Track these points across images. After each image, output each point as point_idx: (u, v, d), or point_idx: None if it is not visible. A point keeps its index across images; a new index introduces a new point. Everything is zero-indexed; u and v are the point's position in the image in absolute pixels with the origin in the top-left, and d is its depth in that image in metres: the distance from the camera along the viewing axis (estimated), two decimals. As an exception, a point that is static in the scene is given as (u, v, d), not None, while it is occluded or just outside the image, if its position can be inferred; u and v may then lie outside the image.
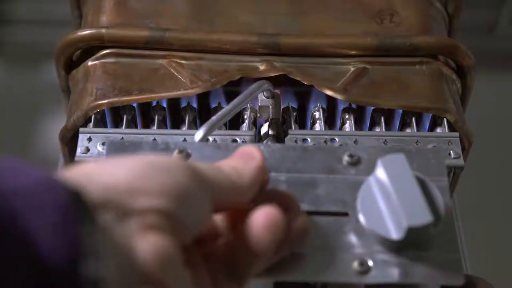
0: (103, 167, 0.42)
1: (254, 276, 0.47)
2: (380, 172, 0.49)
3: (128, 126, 0.67)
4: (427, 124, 0.69)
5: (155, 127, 0.68)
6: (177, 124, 0.70)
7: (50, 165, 0.92)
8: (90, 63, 0.70)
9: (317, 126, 0.69)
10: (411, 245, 0.48)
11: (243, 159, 0.47)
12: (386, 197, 0.48)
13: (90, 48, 0.70)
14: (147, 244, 0.39)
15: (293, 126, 0.68)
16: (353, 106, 0.70)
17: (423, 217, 0.47)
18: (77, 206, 0.37)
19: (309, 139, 0.65)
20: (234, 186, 0.46)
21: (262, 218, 0.45)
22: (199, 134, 0.57)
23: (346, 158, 0.52)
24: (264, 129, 0.67)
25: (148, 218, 0.40)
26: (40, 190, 0.37)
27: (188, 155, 0.52)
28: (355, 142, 0.65)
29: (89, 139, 0.64)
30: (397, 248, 0.48)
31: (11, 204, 0.36)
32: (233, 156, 0.48)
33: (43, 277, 0.36)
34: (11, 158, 0.39)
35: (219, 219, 0.47)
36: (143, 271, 0.39)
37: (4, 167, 0.38)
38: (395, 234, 0.48)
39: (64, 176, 0.39)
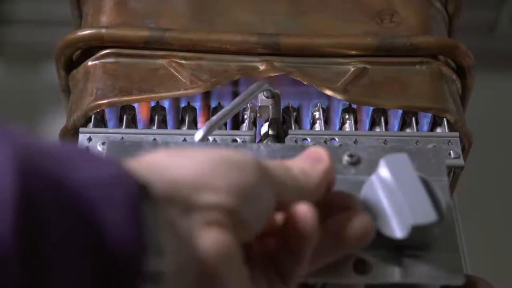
0: (172, 159, 0.42)
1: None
2: (383, 171, 0.49)
3: (128, 126, 0.67)
4: (427, 124, 0.68)
5: (155, 127, 0.68)
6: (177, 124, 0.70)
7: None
8: (90, 63, 0.70)
9: (317, 126, 0.69)
10: (413, 244, 0.48)
11: (311, 161, 0.47)
12: (389, 196, 0.48)
13: (90, 48, 0.70)
14: (209, 239, 0.39)
15: (293, 126, 0.68)
16: (353, 106, 0.70)
17: (428, 215, 0.47)
18: (145, 201, 0.37)
19: (309, 139, 0.65)
20: (301, 188, 0.45)
21: (360, 225, 0.45)
22: (199, 134, 0.57)
23: (346, 158, 0.52)
24: (264, 129, 0.67)
25: (212, 214, 0.40)
26: (111, 184, 0.37)
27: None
28: (355, 142, 0.65)
29: (89, 139, 0.64)
30: (398, 247, 0.48)
31: (84, 195, 0.36)
32: (302, 157, 0.47)
33: (108, 269, 0.36)
34: (81, 148, 0.39)
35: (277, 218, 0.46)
36: (202, 266, 0.39)
37: (76, 158, 0.38)
38: (399, 233, 0.48)
39: (133, 167, 0.39)
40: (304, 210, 0.44)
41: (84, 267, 0.36)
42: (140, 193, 0.37)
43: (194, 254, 0.39)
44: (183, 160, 0.42)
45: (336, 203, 0.47)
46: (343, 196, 0.48)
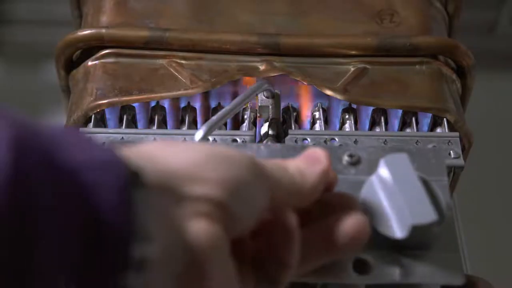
0: (167, 150, 0.42)
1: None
2: (383, 171, 0.49)
3: (128, 126, 0.67)
4: (427, 124, 0.68)
5: (155, 127, 0.68)
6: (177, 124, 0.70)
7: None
8: (90, 63, 0.70)
9: (317, 126, 0.69)
10: (413, 244, 0.48)
11: (309, 161, 0.47)
12: (389, 196, 0.48)
13: (90, 48, 0.70)
14: (197, 229, 0.40)
15: (293, 126, 0.68)
16: (353, 106, 0.70)
17: (428, 215, 0.47)
18: (136, 186, 0.38)
19: (309, 139, 0.65)
20: (296, 188, 0.45)
21: (352, 225, 0.45)
22: (199, 134, 0.57)
23: (346, 158, 0.52)
24: (264, 129, 0.67)
25: (202, 206, 0.40)
26: (104, 167, 0.37)
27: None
28: (355, 142, 0.65)
29: (89, 139, 0.64)
30: (398, 247, 0.48)
31: (76, 176, 0.37)
32: (300, 157, 0.47)
33: (96, 249, 0.36)
34: (74, 131, 0.39)
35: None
36: (189, 255, 0.39)
37: (72, 141, 0.38)
38: (399, 233, 0.47)
39: (127, 154, 0.39)
40: (288, 216, 0.44)
41: (72, 244, 0.36)
42: (132, 179, 0.38)
43: (181, 243, 0.39)
44: (178, 151, 0.42)
45: (336, 204, 0.47)
46: (343, 197, 0.48)
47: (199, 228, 0.40)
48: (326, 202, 0.47)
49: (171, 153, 0.42)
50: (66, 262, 0.36)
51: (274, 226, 0.44)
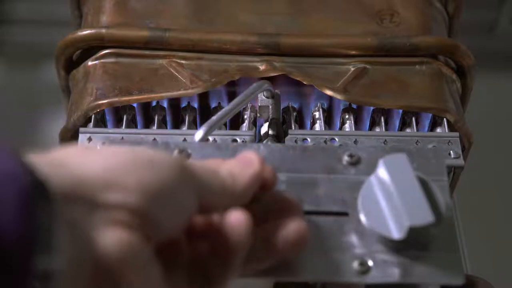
0: (82, 156, 0.41)
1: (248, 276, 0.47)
2: (382, 172, 0.49)
3: (128, 126, 0.67)
4: (427, 124, 0.68)
5: (155, 127, 0.68)
6: (177, 124, 0.70)
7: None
8: (90, 63, 0.70)
9: (317, 126, 0.69)
10: (412, 245, 0.48)
11: (241, 165, 0.47)
12: (387, 197, 0.48)
13: (90, 48, 0.70)
14: (110, 237, 0.39)
15: (293, 126, 0.68)
16: (353, 106, 0.70)
17: (425, 217, 0.47)
18: (39, 197, 0.37)
19: (309, 139, 0.65)
20: (227, 191, 0.45)
21: (292, 231, 0.45)
22: (199, 134, 0.57)
23: (346, 158, 0.52)
24: (264, 129, 0.67)
25: (117, 213, 0.40)
26: (3, 180, 0.36)
27: (188, 155, 0.52)
28: (355, 142, 0.65)
29: (89, 139, 0.64)
30: (397, 248, 0.48)
31: None
32: (233, 160, 0.47)
33: None
34: None
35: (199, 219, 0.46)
36: (100, 265, 0.38)
37: None
38: (396, 233, 0.48)
39: (35, 162, 0.38)
40: (237, 219, 0.44)
41: None
42: (34, 190, 0.37)
43: (91, 253, 0.38)
44: (94, 157, 0.41)
45: (278, 207, 0.47)
46: (286, 201, 0.48)
47: (111, 237, 0.39)
48: (268, 204, 0.47)
49: (88, 159, 0.41)
50: None
51: (218, 228, 0.44)
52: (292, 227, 0.46)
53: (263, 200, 0.48)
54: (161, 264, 0.42)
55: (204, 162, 0.47)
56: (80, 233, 0.38)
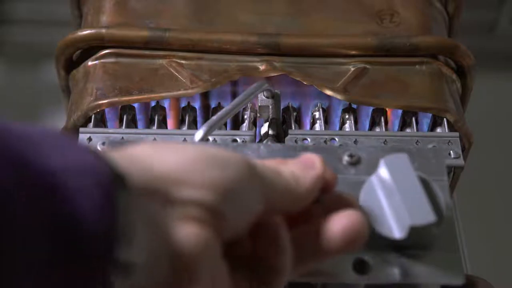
0: (157, 152, 0.42)
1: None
2: (383, 171, 0.49)
3: (128, 126, 0.67)
4: (427, 124, 0.68)
5: (155, 127, 0.68)
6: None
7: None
8: (90, 63, 0.70)
9: (317, 126, 0.69)
10: (413, 244, 0.48)
11: (303, 167, 0.47)
12: (388, 196, 0.48)
13: (90, 48, 0.70)
14: (185, 232, 0.39)
15: (293, 126, 0.68)
16: (353, 106, 0.70)
17: (426, 216, 0.47)
18: (120, 190, 0.37)
19: (309, 139, 0.65)
20: (291, 193, 0.45)
21: (342, 224, 0.45)
22: (199, 134, 0.57)
23: (346, 158, 0.52)
24: (264, 129, 0.67)
25: (191, 210, 0.40)
26: (84, 171, 0.37)
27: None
28: (355, 142, 0.65)
29: (89, 139, 0.64)
30: (398, 247, 0.48)
31: (56, 182, 0.36)
32: (295, 162, 0.47)
33: (78, 255, 0.36)
34: (56, 133, 0.39)
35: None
36: (176, 259, 0.39)
37: (51, 144, 0.38)
38: (397, 233, 0.48)
39: (113, 157, 0.39)
40: (276, 224, 0.44)
41: (52, 251, 0.35)
42: (115, 183, 0.37)
43: (168, 247, 0.39)
44: (168, 154, 0.42)
45: (333, 205, 0.47)
46: (341, 197, 0.48)
47: (187, 232, 0.39)
48: (328, 205, 0.47)
49: (162, 155, 0.41)
50: (43, 268, 0.35)
51: (263, 231, 0.44)
52: (341, 219, 0.45)
53: (324, 201, 0.47)
54: (226, 262, 0.43)
55: (266, 162, 0.47)
56: (157, 227, 0.39)
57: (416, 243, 0.48)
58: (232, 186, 0.42)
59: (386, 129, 0.68)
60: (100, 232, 0.36)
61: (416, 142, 0.65)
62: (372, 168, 0.50)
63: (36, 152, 0.36)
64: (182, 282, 0.40)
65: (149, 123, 0.69)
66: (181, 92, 0.67)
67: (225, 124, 0.68)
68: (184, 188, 0.40)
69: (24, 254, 0.35)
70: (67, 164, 0.37)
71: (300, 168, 0.47)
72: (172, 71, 0.68)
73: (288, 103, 0.70)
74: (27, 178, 0.35)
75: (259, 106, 0.67)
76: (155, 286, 0.39)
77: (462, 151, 0.66)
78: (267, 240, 0.44)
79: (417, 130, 0.68)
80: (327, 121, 0.70)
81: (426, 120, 0.69)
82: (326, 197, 0.48)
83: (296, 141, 0.64)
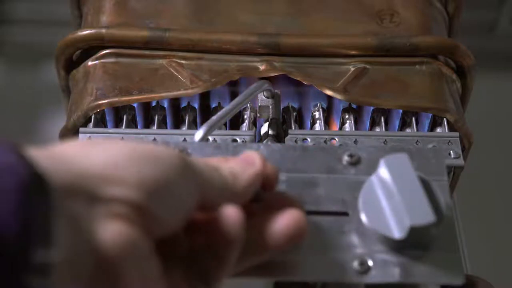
0: (84, 150, 0.41)
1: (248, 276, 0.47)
2: (383, 171, 0.49)
3: (128, 126, 0.67)
4: (427, 124, 0.68)
5: (155, 127, 0.68)
6: (177, 124, 0.70)
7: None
8: (90, 63, 0.70)
9: (317, 126, 0.69)
10: (412, 245, 0.48)
11: (243, 164, 0.47)
12: (388, 196, 0.48)
13: (90, 48, 0.70)
14: (110, 230, 0.39)
15: (293, 126, 0.68)
16: (353, 106, 0.70)
17: (426, 217, 0.47)
18: (37, 190, 0.36)
19: (309, 139, 0.65)
20: (227, 189, 0.45)
21: (286, 221, 0.45)
22: (199, 134, 0.57)
23: (346, 158, 0.52)
24: (264, 129, 0.67)
25: (117, 207, 0.40)
26: (2, 173, 0.36)
27: (188, 155, 0.52)
28: (355, 142, 0.65)
29: (89, 139, 0.64)
30: (398, 247, 0.48)
31: None
32: (236, 159, 0.48)
33: None
34: None
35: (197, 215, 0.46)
36: (99, 258, 0.38)
37: None
38: (397, 233, 0.48)
39: (35, 156, 0.38)
40: (231, 214, 0.44)
41: None
42: (33, 183, 0.36)
43: (91, 246, 0.38)
44: (96, 151, 0.41)
45: (277, 205, 0.47)
46: (284, 197, 0.48)
47: (111, 230, 0.39)
48: (269, 203, 0.47)
49: (89, 153, 0.41)
50: None
51: (214, 223, 0.44)
52: (285, 217, 0.46)
53: (264, 199, 0.48)
54: (159, 259, 0.42)
55: (206, 159, 0.47)
56: (80, 226, 0.38)
57: (416, 243, 0.48)
58: (162, 182, 0.41)
59: (386, 129, 0.68)
60: (14, 234, 0.35)
61: (416, 142, 0.65)
62: (372, 168, 0.50)
63: None
64: (106, 280, 0.39)
65: (149, 123, 0.69)
66: (181, 92, 0.67)
67: (225, 124, 0.68)
68: (110, 186, 0.40)
69: None
70: None
71: (240, 165, 0.47)
72: (172, 71, 0.68)
73: (288, 103, 0.70)
74: None
75: (259, 106, 0.67)
76: (78, 286, 0.38)
77: (462, 151, 0.66)
78: (219, 230, 0.44)
79: (417, 130, 0.68)
80: (327, 121, 0.70)
81: (426, 120, 0.69)
82: (267, 195, 0.48)
83: (296, 141, 0.64)
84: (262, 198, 0.48)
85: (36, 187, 0.37)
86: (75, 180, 0.39)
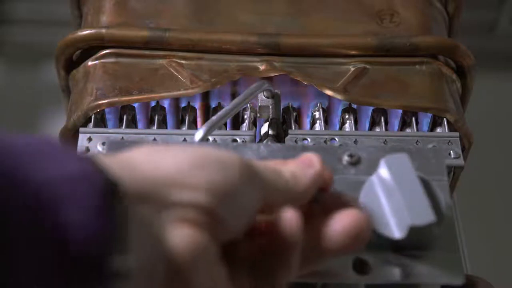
0: (151, 156, 0.41)
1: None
2: (383, 171, 0.49)
3: (128, 126, 0.67)
4: (427, 124, 0.68)
5: (155, 127, 0.68)
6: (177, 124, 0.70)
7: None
8: (90, 63, 0.70)
9: (317, 126, 0.69)
10: (412, 244, 0.48)
11: (302, 166, 0.47)
12: (389, 196, 0.48)
13: (90, 48, 0.70)
14: (181, 235, 0.39)
15: (293, 126, 0.68)
16: (353, 106, 0.70)
17: (426, 216, 0.47)
18: (112, 197, 0.37)
19: (309, 139, 0.65)
20: (289, 191, 0.45)
21: (343, 222, 0.45)
22: (199, 134, 0.57)
23: (346, 158, 0.52)
24: (264, 129, 0.67)
25: (186, 212, 0.40)
26: (75, 181, 0.37)
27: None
28: (355, 142, 0.65)
29: (89, 139, 0.64)
30: (398, 247, 0.48)
31: (45, 194, 0.36)
32: (295, 161, 0.48)
33: (72, 265, 0.36)
34: (44, 140, 0.38)
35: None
36: (171, 262, 0.39)
37: (41, 153, 0.37)
38: (397, 233, 0.48)
39: (105, 164, 0.39)
40: (291, 217, 0.44)
41: (47, 264, 0.35)
42: (107, 190, 0.37)
43: (163, 251, 0.39)
44: (163, 157, 0.41)
45: (334, 206, 0.47)
46: (341, 197, 0.48)
47: (181, 235, 0.39)
48: (326, 204, 0.47)
49: (157, 159, 0.41)
50: (41, 279, 0.35)
51: (274, 226, 0.44)
52: (343, 217, 0.45)
53: (322, 200, 0.48)
54: (225, 263, 0.43)
55: (266, 162, 0.47)
56: (152, 232, 0.39)
57: (416, 243, 0.48)
58: (229, 187, 0.41)
59: (386, 129, 0.68)
60: (95, 241, 0.36)
61: (416, 142, 0.65)
62: (372, 168, 0.50)
63: (28, 163, 0.36)
64: (179, 285, 0.39)
65: (149, 123, 0.69)
66: (181, 92, 0.67)
67: (225, 124, 0.68)
68: (179, 191, 0.40)
69: (21, 268, 0.35)
70: (60, 174, 0.36)
71: (299, 167, 0.47)
72: (172, 71, 0.68)
73: (288, 103, 0.70)
74: (20, 193, 0.35)
75: (259, 106, 0.67)
76: None
77: (462, 151, 0.66)
78: (279, 236, 0.44)
79: (417, 130, 0.68)
80: (327, 121, 0.70)
81: (426, 120, 0.69)
82: (325, 196, 0.48)
83: (296, 141, 0.64)
84: (319, 199, 0.48)
85: (112, 194, 0.37)
86: (145, 186, 0.39)
